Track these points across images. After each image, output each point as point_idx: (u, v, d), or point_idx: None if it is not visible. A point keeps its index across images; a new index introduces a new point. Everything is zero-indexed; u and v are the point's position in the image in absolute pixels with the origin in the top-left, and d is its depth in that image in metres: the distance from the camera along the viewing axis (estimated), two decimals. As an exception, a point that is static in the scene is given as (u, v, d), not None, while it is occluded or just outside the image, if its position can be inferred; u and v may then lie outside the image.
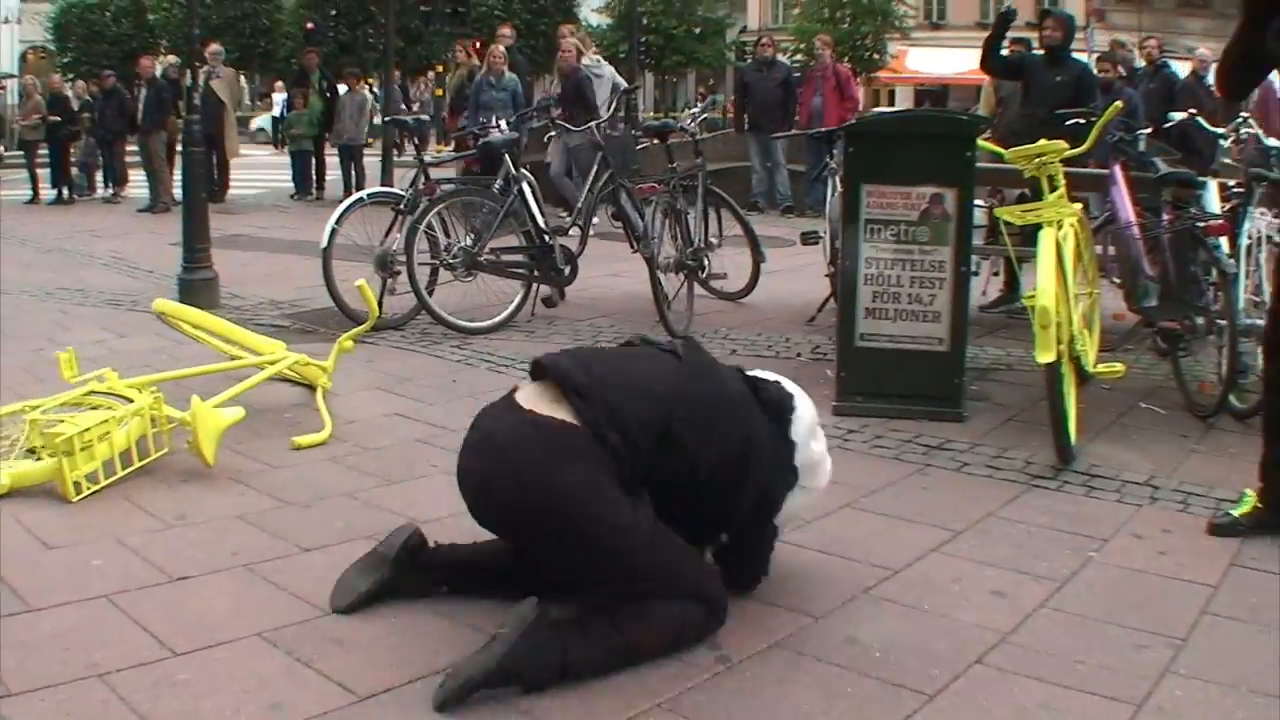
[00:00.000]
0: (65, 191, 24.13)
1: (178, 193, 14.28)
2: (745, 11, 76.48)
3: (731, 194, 14.45)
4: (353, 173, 22.66)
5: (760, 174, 20.12)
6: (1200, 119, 10.30)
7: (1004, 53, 12.27)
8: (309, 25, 47.34)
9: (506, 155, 10.49)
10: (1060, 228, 7.17)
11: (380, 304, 9.35)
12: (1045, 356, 6.28)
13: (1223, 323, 7.61)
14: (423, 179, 10.54)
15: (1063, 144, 7.39)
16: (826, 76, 20.48)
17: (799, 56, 49.79)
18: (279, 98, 42.07)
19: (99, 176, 25.43)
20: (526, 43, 50.34)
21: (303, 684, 3.83)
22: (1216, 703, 3.98)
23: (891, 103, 71.16)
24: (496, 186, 10.36)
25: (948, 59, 59.31)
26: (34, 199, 24.01)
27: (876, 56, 58.72)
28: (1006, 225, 7.79)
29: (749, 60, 19.62)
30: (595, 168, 11.04)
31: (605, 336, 9.97)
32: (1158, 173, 8.54)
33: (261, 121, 53.35)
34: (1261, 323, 7.39)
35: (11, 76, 56.56)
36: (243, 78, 33.75)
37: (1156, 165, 8.72)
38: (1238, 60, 5.16)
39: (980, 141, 8.18)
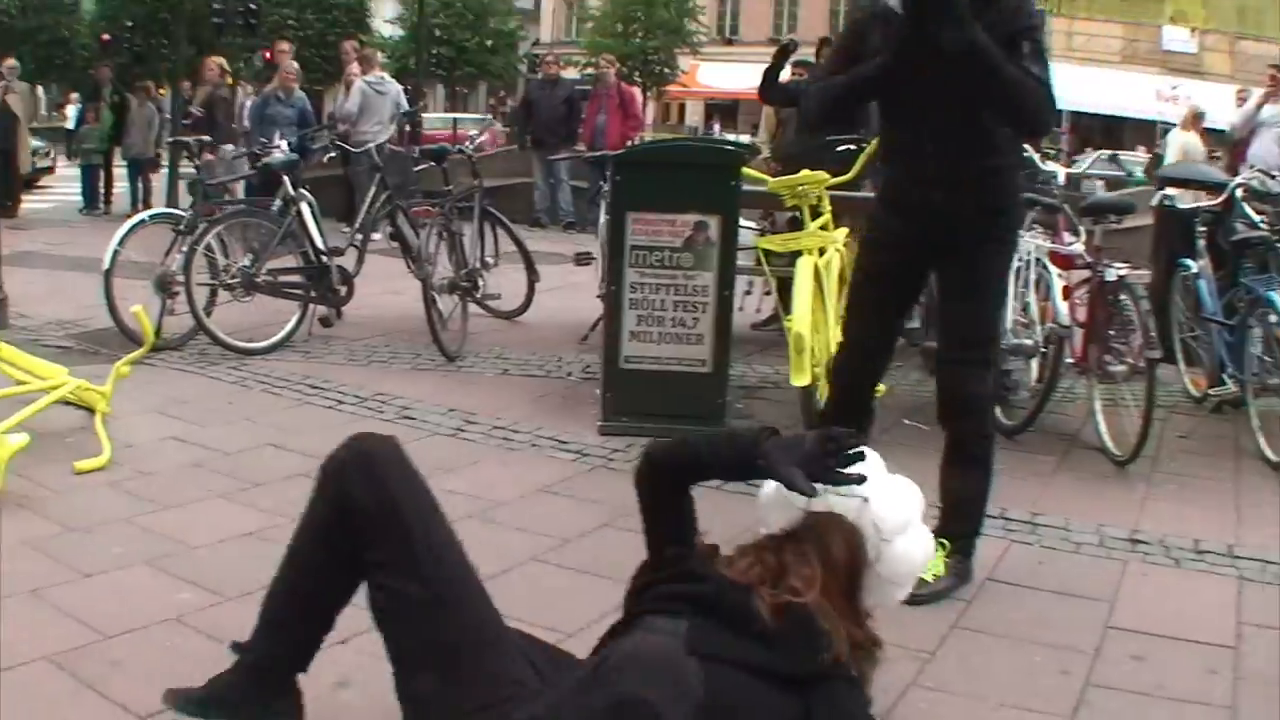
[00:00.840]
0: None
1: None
2: (538, 24, 76.88)
3: (515, 210, 14.82)
4: (140, 187, 22.71)
5: (543, 190, 20.56)
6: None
7: (783, 79, 12.73)
8: (105, 37, 47.04)
9: (285, 176, 10.67)
10: (822, 254, 7.70)
11: (160, 324, 9.57)
12: (800, 380, 6.82)
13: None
14: (202, 199, 10.71)
15: (823, 175, 7.87)
16: (611, 95, 20.95)
17: (590, 70, 50.17)
18: (72, 110, 41.66)
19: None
20: (318, 52, 50.37)
21: (87, 707, 4.00)
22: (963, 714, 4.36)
23: (682, 118, 71.89)
24: (275, 207, 10.57)
25: (739, 74, 60.09)
26: None
27: (667, 71, 59.16)
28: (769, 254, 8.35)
29: (537, 76, 19.97)
30: (373, 189, 11.40)
31: (380, 355, 10.10)
32: None
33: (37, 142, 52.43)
34: (1030, 342, 8.17)
35: None
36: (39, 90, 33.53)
37: None
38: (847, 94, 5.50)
39: (746, 169, 8.50)
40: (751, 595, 3.28)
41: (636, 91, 28.62)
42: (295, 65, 18.53)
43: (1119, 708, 4.48)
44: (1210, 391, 9.23)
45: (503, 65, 64.40)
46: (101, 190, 23.61)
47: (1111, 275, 7.86)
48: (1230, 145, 15.13)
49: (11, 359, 7.78)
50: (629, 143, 19.98)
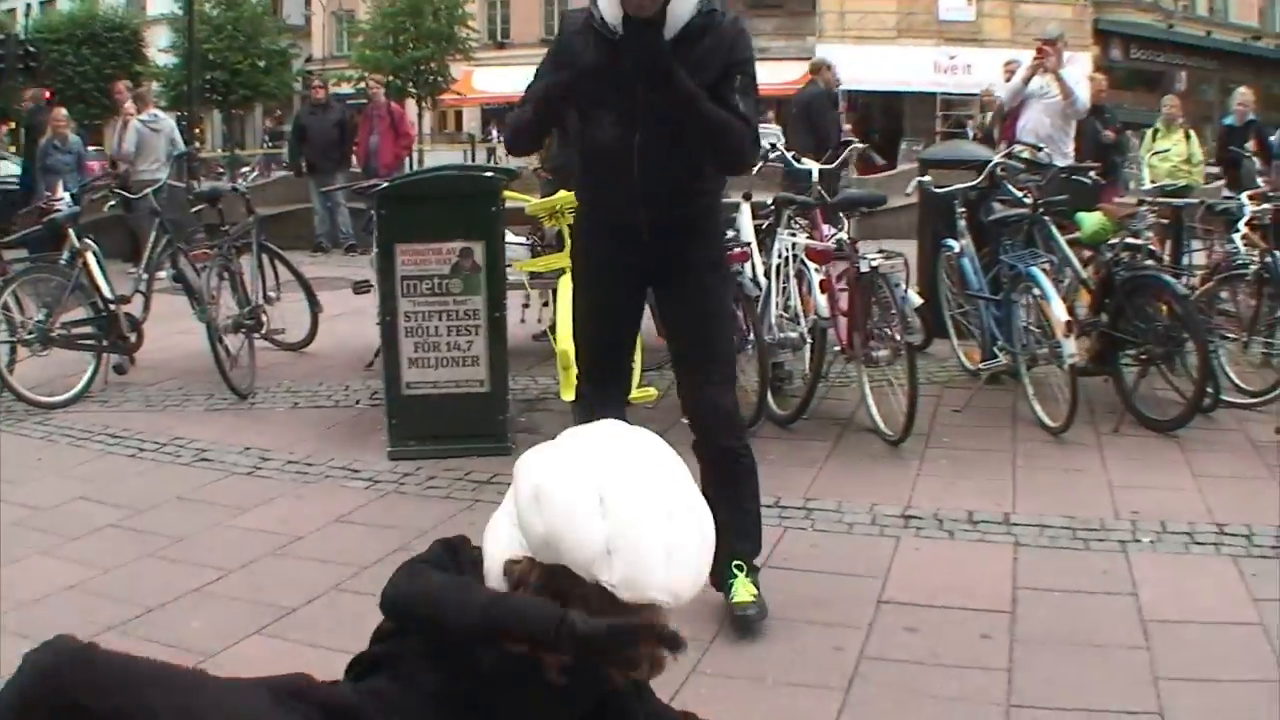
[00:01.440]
0: None
1: None
2: (309, 40, 76.42)
3: (297, 236, 14.94)
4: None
5: (322, 215, 20.56)
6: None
7: None
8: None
9: (70, 229, 10.74)
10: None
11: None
12: (568, 395, 7.11)
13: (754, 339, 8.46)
14: None
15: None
16: (381, 115, 21.19)
17: (363, 84, 50.23)
18: None
19: None
20: (96, 86, 49.92)
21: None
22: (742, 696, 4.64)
23: (459, 125, 71.75)
24: (63, 260, 10.65)
25: (514, 77, 59.53)
26: None
27: (441, 80, 59.17)
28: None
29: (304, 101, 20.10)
30: (153, 233, 11.49)
31: (174, 399, 10.16)
32: None
33: None
34: (795, 335, 8.59)
35: None
36: None
37: None
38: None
39: (508, 192, 8.90)
40: None
41: (409, 108, 28.76)
42: (64, 111, 18.50)
43: (893, 678, 4.81)
44: (982, 365, 9.60)
45: (277, 84, 63.92)
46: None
47: (865, 266, 8.26)
48: (1000, 119, 15.51)
49: None
50: (399, 160, 20.45)
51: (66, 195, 11.93)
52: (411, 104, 60.02)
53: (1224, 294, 9.89)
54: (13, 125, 25.85)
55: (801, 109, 18.02)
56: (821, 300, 8.61)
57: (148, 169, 17.26)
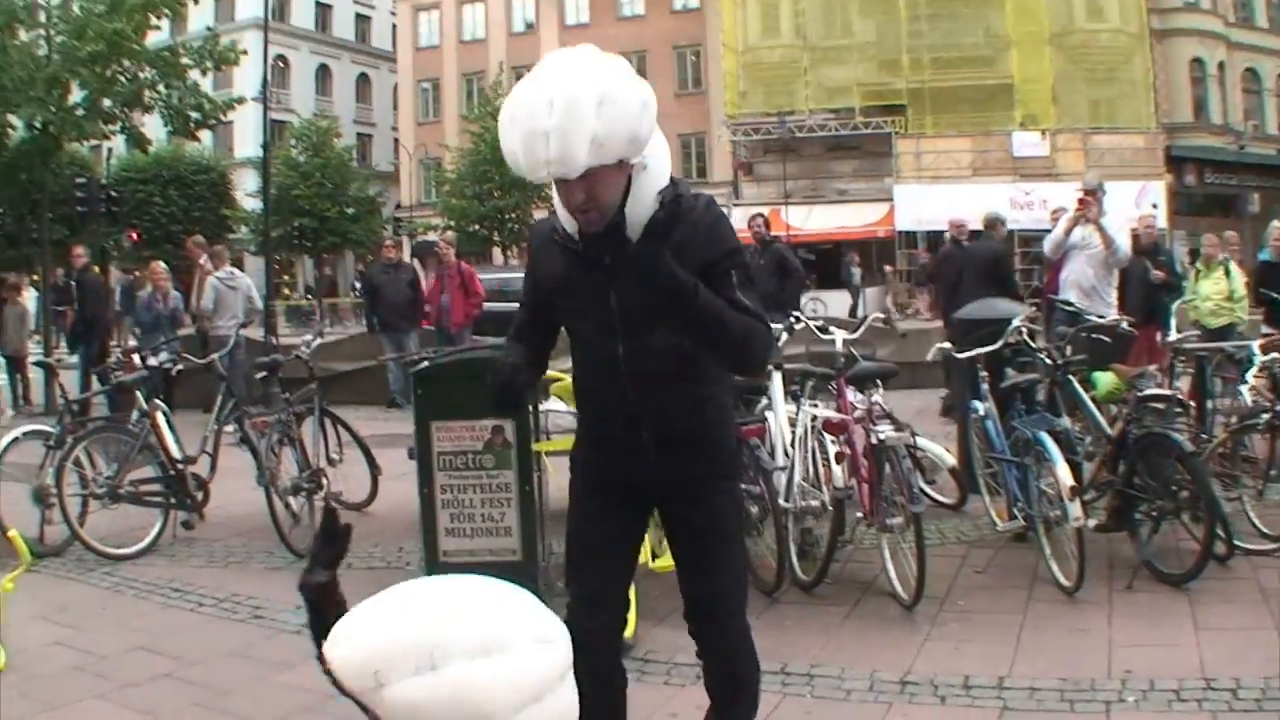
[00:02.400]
0: None
1: None
2: (398, 187, 77.56)
3: (371, 392, 15.33)
4: (18, 382, 23.24)
5: (396, 372, 20.63)
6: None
7: None
8: (-29, 223, 47.04)
9: (139, 392, 11.42)
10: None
11: (41, 533, 10.43)
12: None
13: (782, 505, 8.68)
14: (69, 417, 11.31)
15: None
16: (452, 275, 21.37)
17: (450, 233, 50.75)
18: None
19: None
20: (184, 229, 50.74)
21: None
22: None
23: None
24: (134, 420, 11.29)
25: None
26: None
27: (523, 228, 59.63)
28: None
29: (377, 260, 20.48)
30: (220, 398, 12.04)
31: (237, 556, 10.68)
32: None
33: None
34: (817, 503, 8.81)
35: None
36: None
37: None
38: None
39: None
40: None
41: (494, 255, 29.06)
42: (163, 266, 19.10)
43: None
44: (1001, 527, 9.82)
45: (365, 231, 64.70)
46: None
47: (875, 439, 8.63)
48: (1046, 267, 15.46)
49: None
50: (471, 318, 21.03)
51: (163, 353, 12.71)
52: (497, 253, 60.84)
53: (1246, 440, 10.09)
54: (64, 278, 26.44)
55: (988, 264, 17.00)
56: (838, 471, 8.87)
57: (225, 325, 18.00)
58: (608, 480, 4.90)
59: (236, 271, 20.56)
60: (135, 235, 52.30)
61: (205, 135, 41.35)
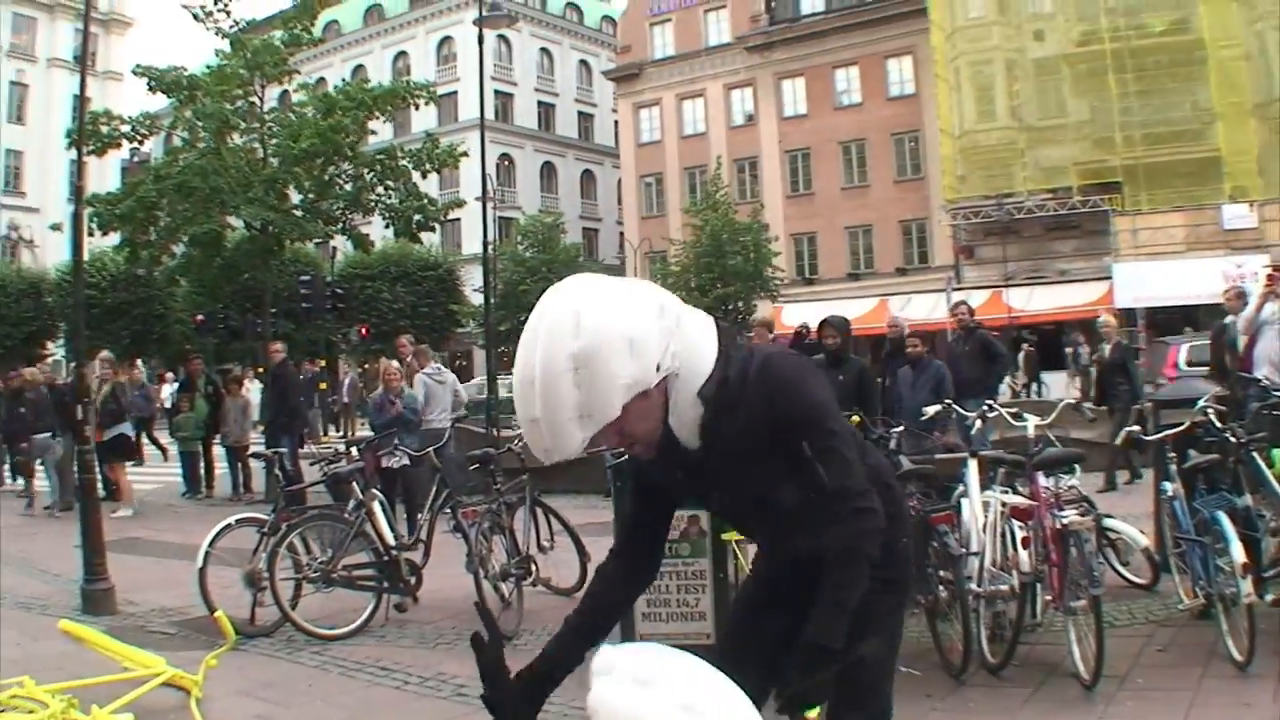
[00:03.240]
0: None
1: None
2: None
3: (592, 478, 15.52)
4: (239, 471, 23.93)
5: (609, 459, 20.91)
6: (957, 406, 11.63)
7: None
8: (198, 319, 48.35)
9: (354, 484, 11.94)
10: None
11: (253, 614, 10.94)
12: None
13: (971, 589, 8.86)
14: (283, 505, 11.83)
15: None
16: None
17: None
18: (167, 389, 42.62)
19: (5, 471, 26.57)
20: (412, 322, 51.87)
21: None
22: None
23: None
24: (349, 508, 11.77)
25: (823, 311, 59.13)
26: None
27: (747, 316, 59.57)
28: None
29: None
30: (435, 488, 12.48)
31: (446, 638, 10.95)
32: (899, 469, 9.62)
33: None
34: (1006, 587, 8.86)
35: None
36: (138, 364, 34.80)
37: (899, 462, 9.79)
38: None
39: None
40: None
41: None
42: (394, 364, 19.60)
43: None
44: (1181, 606, 9.80)
45: (595, 326, 65.43)
46: (202, 475, 24.77)
47: (1059, 523, 8.71)
48: (1235, 349, 15.29)
49: (117, 651, 9.07)
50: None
51: (402, 452, 13.60)
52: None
53: None
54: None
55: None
56: (1024, 555, 8.93)
57: (435, 418, 18.37)
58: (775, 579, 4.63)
59: (443, 368, 21.08)
60: (364, 331, 53.62)
61: (433, 233, 42.29)
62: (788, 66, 70.14)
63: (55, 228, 30.26)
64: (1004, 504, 9.41)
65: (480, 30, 27.66)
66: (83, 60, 17.21)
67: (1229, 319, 15.70)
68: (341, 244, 33.08)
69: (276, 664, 10.19)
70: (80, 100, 16.69)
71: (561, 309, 3.73)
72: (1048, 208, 57.16)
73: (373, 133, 26.78)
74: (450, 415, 17.98)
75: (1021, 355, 47.10)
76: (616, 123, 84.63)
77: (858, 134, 67.28)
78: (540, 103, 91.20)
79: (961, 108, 59.94)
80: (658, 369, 3.81)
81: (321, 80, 29.35)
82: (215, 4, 25.53)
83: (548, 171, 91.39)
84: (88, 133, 22.31)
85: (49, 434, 23.13)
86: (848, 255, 67.78)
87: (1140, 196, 54.61)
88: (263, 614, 11.21)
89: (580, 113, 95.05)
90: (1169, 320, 50.17)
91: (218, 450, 24.95)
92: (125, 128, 25.26)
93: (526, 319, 3.87)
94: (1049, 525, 8.87)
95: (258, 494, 22.94)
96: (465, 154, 28.66)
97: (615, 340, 3.69)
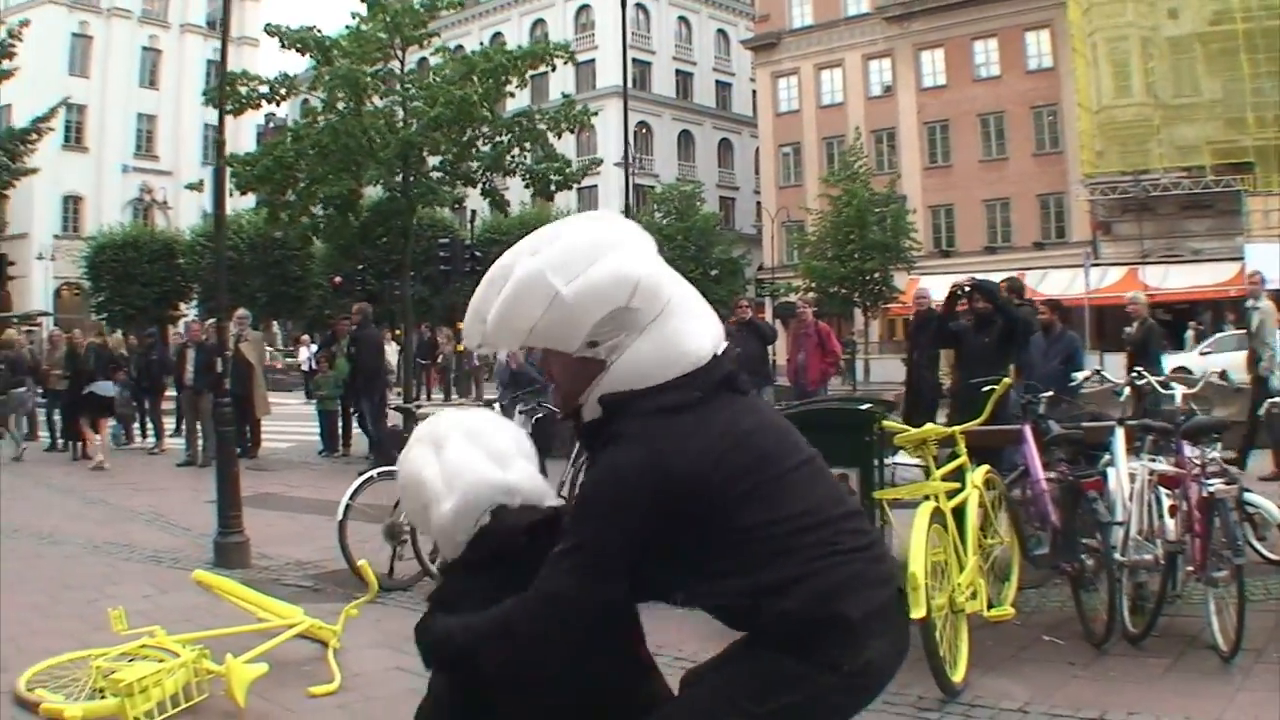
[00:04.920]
0: (65, 443, 25.78)
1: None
2: (760, 249, 78.24)
3: None
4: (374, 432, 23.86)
5: None
6: (1104, 373, 11.68)
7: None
8: (336, 280, 48.69)
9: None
10: (954, 496, 8.58)
11: (391, 568, 10.99)
12: (917, 613, 7.32)
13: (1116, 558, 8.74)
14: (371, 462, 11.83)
15: (938, 428, 8.88)
16: (809, 334, 21.63)
17: (811, 294, 51.07)
18: (304, 352, 42.88)
19: (136, 428, 27.26)
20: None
21: None
22: None
23: (906, 333, 72.00)
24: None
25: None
26: (52, 446, 26.00)
27: (885, 289, 59.39)
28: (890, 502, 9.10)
29: (733, 318, 20.47)
30: (577, 445, 12.15)
31: None
32: (1050, 434, 9.75)
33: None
34: (1149, 556, 8.76)
35: (46, 314, 58.15)
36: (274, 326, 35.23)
37: (1050, 427, 9.84)
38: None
39: (885, 423, 9.52)
40: None
41: (856, 318, 29.01)
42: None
43: None
44: None
45: (728, 293, 65.27)
46: (339, 435, 24.97)
47: (1205, 492, 8.57)
48: None
49: (255, 601, 9.07)
50: (826, 375, 21.36)
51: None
52: (858, 314, 60.89)
53: None
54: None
55: None
56: (1170, 524, 8.84)
57: None
58: None
59: None
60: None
61: (570, 198, 42.13)
62: (926, 37, 69.87)
63: (193, 187, 30.17)
64: (1151, 472, 9.24)
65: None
66: (226, 13, 17.27)
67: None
68: (480, 207, 33.09)
69: (415, 617, 9.92)
70: (222, 55, 16.69)
71: (556, 231, 3.77)
72: (1182, 186, 56.70)
73: (511, 95, 26.60)
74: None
75: (1190, 333, 46.20)
76: (754, 92, 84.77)
77: (996, 107, 67.01)
78: (678, 71, 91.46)
79: (1099, 83, 59.59)
80: (589, 345, 3.67)
81: (460, 47, 29.17)
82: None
83: (685, 140, 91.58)
84: (227, 93, 22.57)
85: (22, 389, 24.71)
86: (985, 228, 67.51)
87: (1273, 177, 54.01)
88: (401, 568, 11.26)
89: (718, 82, 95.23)
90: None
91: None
92: (264, 88, 25.29)
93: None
94: (1194, 494, 8.74)
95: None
96: (596, 113, 28.64)
97: (541, 285, 3.61)
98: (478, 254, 38.52)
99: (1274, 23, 53.95)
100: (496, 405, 13.25)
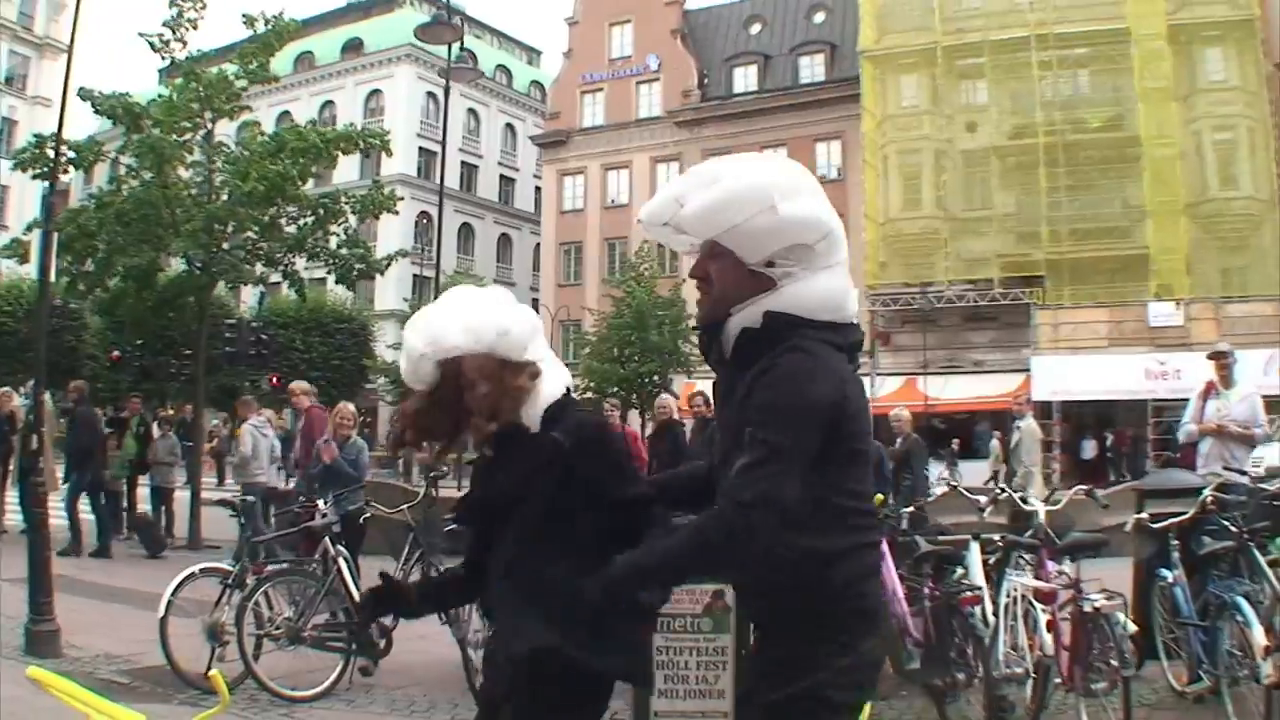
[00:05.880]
0: None
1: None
2: (536, 348, 78.19)
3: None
4: (164, 513, 23.59)
5: None
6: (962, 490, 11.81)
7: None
8: (114, 354, 47.77)
9: (326, 538, 11.51)
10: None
11: (209, 668, 10.16)
12: None
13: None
14: (250, 557, 11.42)
15: None
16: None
17: (590, 394, 51.10)
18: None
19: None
20: (324, 375, 51.40)
21: None
22: None
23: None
24: (315, 565, 11.38)
25: None
26: None
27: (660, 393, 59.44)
28: None
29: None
30: (407, 547, 12.08)
31: (419, 706, 10.51)
32: (917, 550, 9.91)
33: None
34: (1020, 670, 8.79)
35: None
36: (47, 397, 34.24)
37: (917, 543, 10.01)
38: None
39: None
40: None
41: (632, 420, 29.01)
42: (351, 408, 19.13)
43: None
44: (1188, 688, 9.81)
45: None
46: (123, 515, 24.02)
47: (1089, 607, 8.64)
48: (1180, 447, 15.44)
49: (97, 706, 8.51)
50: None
51: (329, 507, 12.35)
52: (634, 415, 61.00)
53: None
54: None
55: None
56: (1047, 638, 8.86)
57: (261, 472, 18.93)
58: None
59: (269, 421, 21.38)
60: (275, 380, 53.12)
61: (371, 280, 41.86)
62: (716, 144, 70.11)
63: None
64: (1019, 587, 9.36)
65: (447, 82, 27.77)
66: (65, 84, 16.75)
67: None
68: (248, 294, 32.62)
69: (251, 729, 9.63)
70: (60, 119, 16.17)
71: (769, 160, 4.37)
72: (968, 298, 57.86)
73: (316, 176, 26.17)
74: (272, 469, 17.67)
75: (995, 442, 46.76)
76: (538, 188, 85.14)
77: (779, 216, 67.54)
78: (464, 163, 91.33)
79: (887, 195, 60.88)
80: (766, 264, 4.15)
81: (257, 123, 28.81)
82: (173, 34, 24.92)
83: (465, 232, 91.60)
84: (33, 156, 23.03)
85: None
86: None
87: (1063, 291, 55.47)
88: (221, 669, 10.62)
89: (502, 176, 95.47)
90: (1081, 414, 50.96)
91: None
92: (71, 153, 24.58)
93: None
94: (1072, 610, 8.87)
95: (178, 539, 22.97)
96: (402, 198, 28.58)
97: (763, 195, 4.06)
98: (263, 337, 37.83)
99: (1077, 137, 56.07)
100: (321, 502, 12.68)
